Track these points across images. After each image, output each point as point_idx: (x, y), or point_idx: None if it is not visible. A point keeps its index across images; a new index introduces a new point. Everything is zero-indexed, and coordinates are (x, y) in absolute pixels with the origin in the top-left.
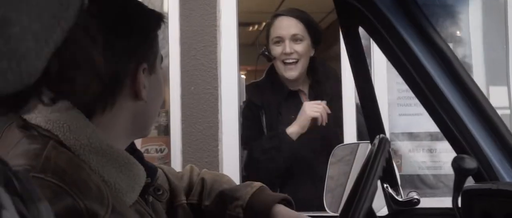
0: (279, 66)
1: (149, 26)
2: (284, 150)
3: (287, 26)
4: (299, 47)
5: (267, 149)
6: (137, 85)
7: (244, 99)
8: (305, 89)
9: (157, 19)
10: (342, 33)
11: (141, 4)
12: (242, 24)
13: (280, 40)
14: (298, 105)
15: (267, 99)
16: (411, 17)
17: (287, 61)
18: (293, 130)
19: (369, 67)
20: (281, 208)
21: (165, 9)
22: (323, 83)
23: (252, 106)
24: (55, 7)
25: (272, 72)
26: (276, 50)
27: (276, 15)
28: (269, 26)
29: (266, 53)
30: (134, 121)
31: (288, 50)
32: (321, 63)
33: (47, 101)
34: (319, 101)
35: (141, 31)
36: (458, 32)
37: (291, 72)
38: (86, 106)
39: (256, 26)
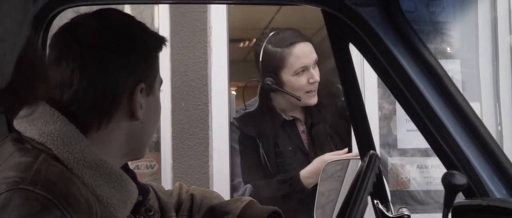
0: (304, 96)
1: (150, 46)
2: (296, 198)
3: (309, 52)
4: (317, 71)
5: (278, 196)
6: (133, 104)
7: (235, 115)
8: (301, 115)
9: (159, 41)
10: (332, 49)
11: (143, 25)
12: (233, 41)
13: (304, 69)
14: (295, 135)
15: (262, 129)
16: (401, 34)
17: (313, 89)
18: (309, 177)
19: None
20: None
21: (155, 25)
22: (319, 102)
23: (247, 137)
24: (20, 10)
25: (265, 98)
26: (301, 81)
27: (292, 43)
28: (283, 55)
29: (274, 86)
30: (129, 141)
31: (316, 77)
32: None
33: (2, 109)
34: (342, 151)
35: (141, 50)
36: (448, 49)
37: (314, 98)
38: (81, 121)
39: (247, 42)
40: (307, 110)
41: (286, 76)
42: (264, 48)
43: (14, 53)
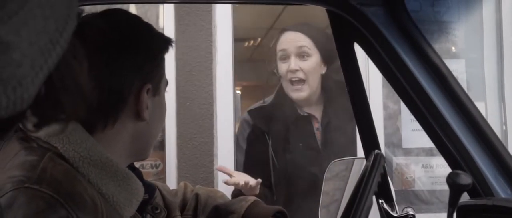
0: (286, 86)
1: (157, 47)
2: None
3: (292, 40)
4: (306, 64)
5: None
6: (139, 104)
7: (240, 115)
8: (318, 113)
9: (165, 42)
10: (337, 49)
11: (150, 25)
12: (238, 40)
13: (285, 56)
14: (309, 133)
15: (274, 124)
16: (406, 33)
17: (294, 79)
18: None
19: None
20: None
21: (160, 24)
22: (337, 101)
23: (257, 130)
24: (52, 32)
25: (282, 93)
26: (282, 67)
27: (283, 30)
28: (275, 42)
29: (275, 71)
30: (135, 141)
31: (293, 66)
32: (335, 81)
33: (30, 127)
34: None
35: (148, 51)
36: (453, 48)
37: (299, 93)
38: (87, 121)
39: (251, 42)
40: (325, 108)
41: (277, 61)
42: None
43: (39, 76)
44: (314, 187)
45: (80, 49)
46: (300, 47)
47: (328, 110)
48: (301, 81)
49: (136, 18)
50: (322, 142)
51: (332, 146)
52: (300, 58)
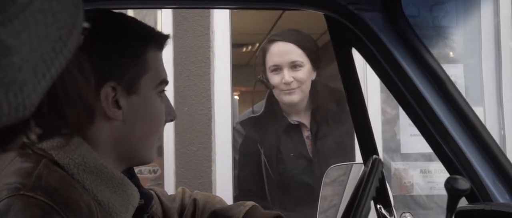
0: (279, 93)
1: (127, 43)
2: None
3: (284, 52)
4: (299, 74)
5: None
6: (102, 102)
7: (237, 120)
8: (307, 120)
9: (142, 38)
10: (335, 54)
11: (128, 21)
12: (236, 45)
13: (277, 68)
14: (299, 141)
15: (265, 133)
16: (404, 38)
17: (286, 89)
18: None
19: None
20: None
21: (158, 29)
22: (325, 107)
23: (250, 141)
24: (55, 40)
25: (271, 102)
26: (275, 79)
27: (271, 40)
28: (264, 51)
29: (264, 80)
30: (117, 143)
31: (287, 79)
32: (323, 86)
33: (34, 138)
34: None
35: (111, 47)
36: (451, 53)
37: (292, 96)
38: None
39: (249, 47)
40: (313, 115)
41: (268, 72)
42: (262, 45)
43: (41, 84)
44: (308, 196)
45: (86, 64)
46: (293, 61)
47: (316, 116)
48: (295, 88)
49: (107, 14)
50: (313, 150)
51: (323, 154)
52: (293, 70)
